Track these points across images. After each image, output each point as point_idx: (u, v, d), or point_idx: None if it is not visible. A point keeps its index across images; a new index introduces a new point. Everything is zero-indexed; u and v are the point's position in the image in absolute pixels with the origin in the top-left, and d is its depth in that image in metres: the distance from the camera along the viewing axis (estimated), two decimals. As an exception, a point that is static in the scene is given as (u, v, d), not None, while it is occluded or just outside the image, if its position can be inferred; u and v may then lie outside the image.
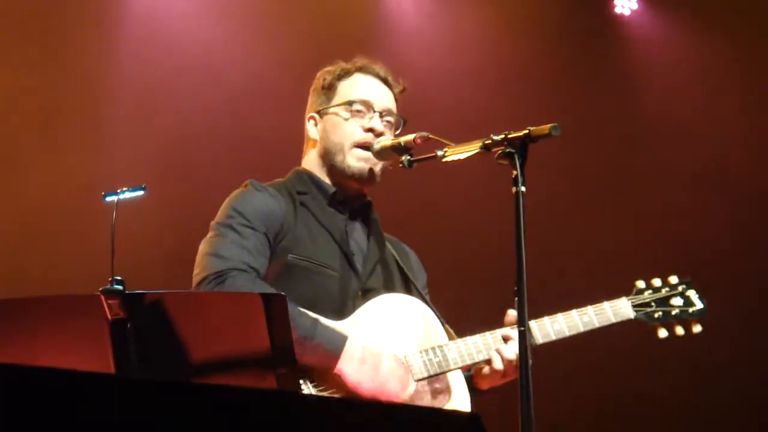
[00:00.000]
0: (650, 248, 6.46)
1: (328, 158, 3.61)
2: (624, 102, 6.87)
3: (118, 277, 2.56)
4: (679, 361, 6.03)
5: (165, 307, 2.60)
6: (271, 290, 3.23)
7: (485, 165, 3.23)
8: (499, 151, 3.07)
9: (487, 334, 3.49)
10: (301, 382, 3.25)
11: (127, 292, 2.55)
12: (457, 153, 3.25)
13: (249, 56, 6.08)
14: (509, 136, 3.06)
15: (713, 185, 6.67)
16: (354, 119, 3.61)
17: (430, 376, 3.42)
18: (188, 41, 6.03)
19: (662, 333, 3.69)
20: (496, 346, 3.47)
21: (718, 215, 6.63)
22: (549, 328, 3.53)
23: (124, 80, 5.87)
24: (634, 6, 7.01)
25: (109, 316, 2.54)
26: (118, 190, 2.88)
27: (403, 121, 3.66)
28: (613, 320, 3.61)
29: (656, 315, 3.68)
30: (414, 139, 3.44)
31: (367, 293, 3.49)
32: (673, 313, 3.69)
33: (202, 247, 3.43)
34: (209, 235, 3.45)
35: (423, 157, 3.37)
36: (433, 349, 3.44)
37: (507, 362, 3.44)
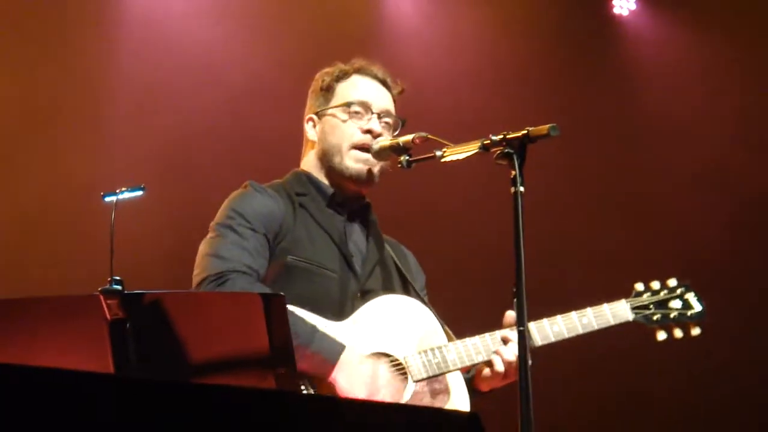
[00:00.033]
0: (650, 248, 6.46)
1: (326, 160, 3.61)
2: (623, 102, 6.87)
3: (117, 277, 2.56)
4: (679, 362, 6.03)
5: (164, 307, 2.60)
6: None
7: (484, 165, 3.24)
8: (498, 152, 3.07)
9: (486, 335, 3.49)
10: (300, 382, 3.25)
11: (126, 292, 2.55)
12: (456, 153, 3.25)
13: (249, 56, 6.08)
14: (508, 136, 3.06)
15: (713, 185, 6.66)
16: (352, 121, 3.61)
17: (429, 377, 3.42)
18: (188, 41, 6.03)
19: (661, 336, 3.69)
20: (495, 348, 3.46)
21: (718, 215, 6.63)
22: (548, 330, 3.53)
23: (124, 80, 5.87)
24: (633, 6, 7.01)
25: (108, 316, 2.54)
26: (117, 191, 2.88)
27: (402, 122, 3.66)
28: (612, 322, 3.62)
29: (655, 317, 3.68)
30: (413, 140, 3.44)
31: (366, 294, 3.49)
32: (672, 315, 3.69)
33: (202, 247, 3.43)
34: (209, 235, 3.46)
35: (422, 157, 3.37)
36: (432, 350, 3.44)
37: (507, 364, 3.44)
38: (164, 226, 5.63)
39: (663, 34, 6.99)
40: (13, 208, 5.56)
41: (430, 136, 3.38)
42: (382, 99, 3.66)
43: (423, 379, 3.41)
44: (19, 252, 5.58)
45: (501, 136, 3.07)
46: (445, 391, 3.47)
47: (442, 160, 3.28)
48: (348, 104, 3.62)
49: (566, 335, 3.55)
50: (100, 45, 5.86)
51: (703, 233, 6.59)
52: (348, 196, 3.62)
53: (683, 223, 6.63)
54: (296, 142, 3.78)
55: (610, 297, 3.66)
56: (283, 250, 3.43)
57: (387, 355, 3.41)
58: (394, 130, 3.65)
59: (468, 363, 3.46)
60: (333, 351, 3.26)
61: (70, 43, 5.78)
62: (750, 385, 6.49)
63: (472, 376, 3.57)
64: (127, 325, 2.55)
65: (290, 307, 2.94)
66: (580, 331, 3.56)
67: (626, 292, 3.70)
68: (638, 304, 3.67)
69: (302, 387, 3.25)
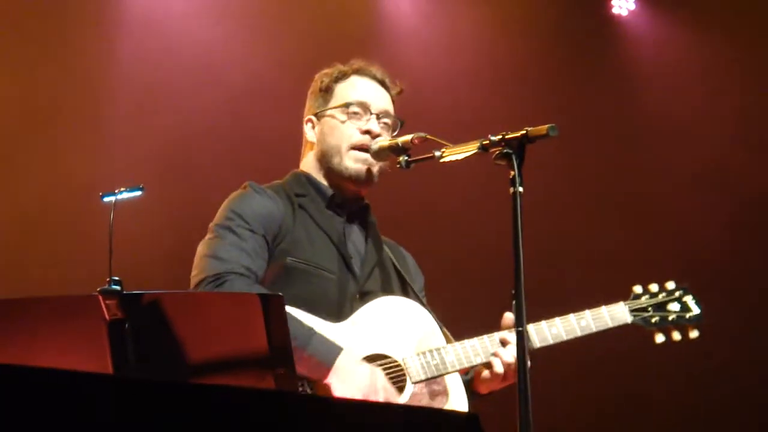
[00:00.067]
0: (649, 249, 6.46)
1: (325, 160, 3.61)
2: (622, 102, 6.87)
3: (116, 278, 2.57)
4: (678, 364, 6.03)
5: (163, 307, 2.60)
6: (269, 295, 3.23)
7: (483, 165, 3.23)
8: (497, 152, 3.07)
9: (485, 337, 3.49)
10: (298, 383, 3.25)
11: (125, 292, 2.55)
12: (455, 153, 3.25)
13: (249, 56, 6.08)
14: (507, 136, 3.06)
15: (713, 185, 6.66)
16: (351, 121, 3.61)
17: (427, 379, 3.42)
18: (188, 41, 6.03)
19: (659, 338, 3.69)
20: (493, 350, 3.46)
21: (718, 215, 6.63)
22: (547, 332, 3.53)
23: (123, 80, 5.87)
24: (632, 6, 7.01)
25: (107, 317, 2.54)
26: (116, 191, 2.89)
27: (401, 122, 3.66)
28: (611, 325, 3.62)
29: (653, 320, 3.68)
30: (411, 140, 3.44)
31: (364, 296, 3.49)
32: (670, 318, 3.69)
33: (201, 248, 3.43)
34: (208, 236, 3.45)
35: (421, 157, 3.37)
36: (430, 351, 3.43)
37: (506, 365, 3.43)
38: (164, 226, 5.63)
39: (662, 34, 6.99)
40: (13, 208, 5.57)
41: (428, 137, 3.38)
42: (380, 99, 3.66)
43: (421, 381, 3.41)
44: (19, 252, 5.59)
45: (500, 137, 3.07)
46: (444, 392, 3.46)
47: (441, 160, 3.28)
48: (347, 105, 3.62)
49: (565, 337, 3.55)
50: (100, 45, 5.87)
51: (703, 233, 6.59)
52: (347, 198, 3.62)
53: (683, 223, 6.63)
54: (296, 142, 3.78)
55: (610, 297, 3.66)
56: (282, 252, 3.43)
57: (385, 357, 3.40)
58: (393, 131, 3.65)
59: (466, 365, 3.46)
60: (329, 354, 3.26)
61: (70, 43, 5.78)
62: (750, 385, 6.49)
63: (470, 378, 3.57)
64: (126, 325, 2.55)
65: (288, 309, 2.94)
66: (579, 333, 3.56)
67: (626, 293, 3.70)
68: (636, 307, 3.67)
69: (300, 387, 3.24)
